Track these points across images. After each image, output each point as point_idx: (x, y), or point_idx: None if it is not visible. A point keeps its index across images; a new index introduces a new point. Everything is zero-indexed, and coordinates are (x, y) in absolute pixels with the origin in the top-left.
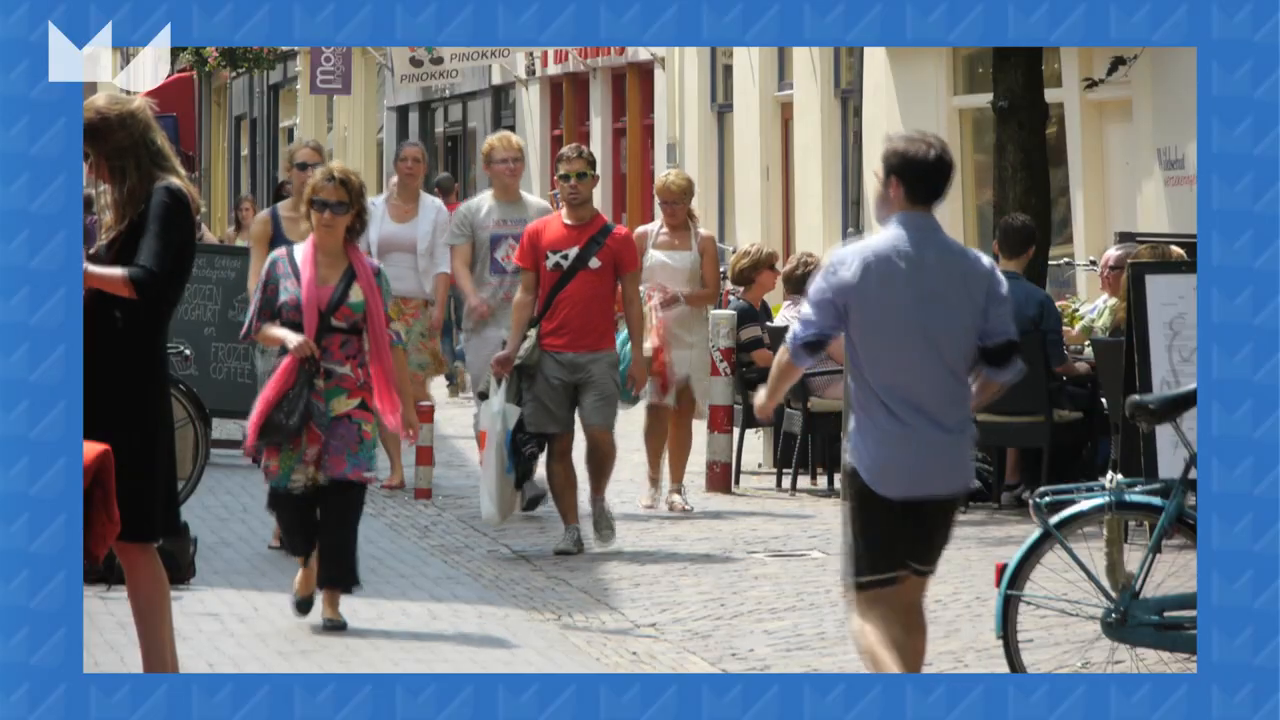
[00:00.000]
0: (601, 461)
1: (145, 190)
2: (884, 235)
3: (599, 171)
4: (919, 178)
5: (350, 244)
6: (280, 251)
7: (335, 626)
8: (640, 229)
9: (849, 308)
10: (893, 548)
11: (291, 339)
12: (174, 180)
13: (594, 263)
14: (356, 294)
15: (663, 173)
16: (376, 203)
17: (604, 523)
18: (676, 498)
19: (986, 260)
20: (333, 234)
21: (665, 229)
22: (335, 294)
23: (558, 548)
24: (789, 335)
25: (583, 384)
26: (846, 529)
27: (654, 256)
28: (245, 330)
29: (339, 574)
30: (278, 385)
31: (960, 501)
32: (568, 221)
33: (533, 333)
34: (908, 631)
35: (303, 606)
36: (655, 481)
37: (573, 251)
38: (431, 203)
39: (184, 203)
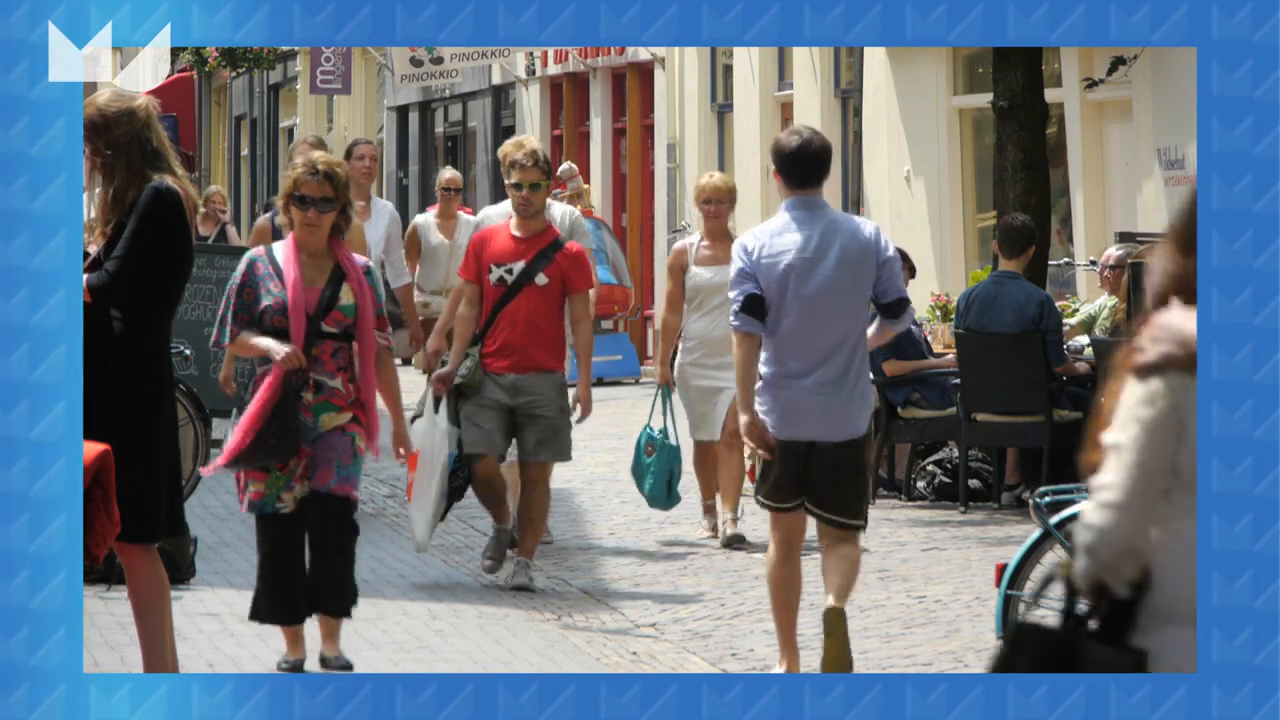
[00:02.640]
0: (534, 512)
1: (136, 191)
2: (776, 217)
3: (600, 172)
4: (786, 166)
5: (335, 241)
6: (258, 251)
7: (342, 666)
8: (678, 245)
9: (758, 278)
10: (788, 483)
11: (277, 349)
12: (165, 180)
13: (540, 279)
14: (347, 296)
15: (704, 175)
16: None
17: (521, 579)
18: (732, 525)
19: (870, 228)
20: (317, 234)
21: (705, 242)
22: (324, 296)
23: (484, 559)
24: (732, 321)
25: (524, 413)
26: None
27: (697, 275)
28: (217, 338)
29: (334, 595)
30: (263, 404)
31: (859, 448)
32: (516, 233)
33: (474, 351)
34: (827, 570)
35: (296, 669)
36: (711, 510)
37: (518, 266)
38: (384, 207)
39: (170, 202)
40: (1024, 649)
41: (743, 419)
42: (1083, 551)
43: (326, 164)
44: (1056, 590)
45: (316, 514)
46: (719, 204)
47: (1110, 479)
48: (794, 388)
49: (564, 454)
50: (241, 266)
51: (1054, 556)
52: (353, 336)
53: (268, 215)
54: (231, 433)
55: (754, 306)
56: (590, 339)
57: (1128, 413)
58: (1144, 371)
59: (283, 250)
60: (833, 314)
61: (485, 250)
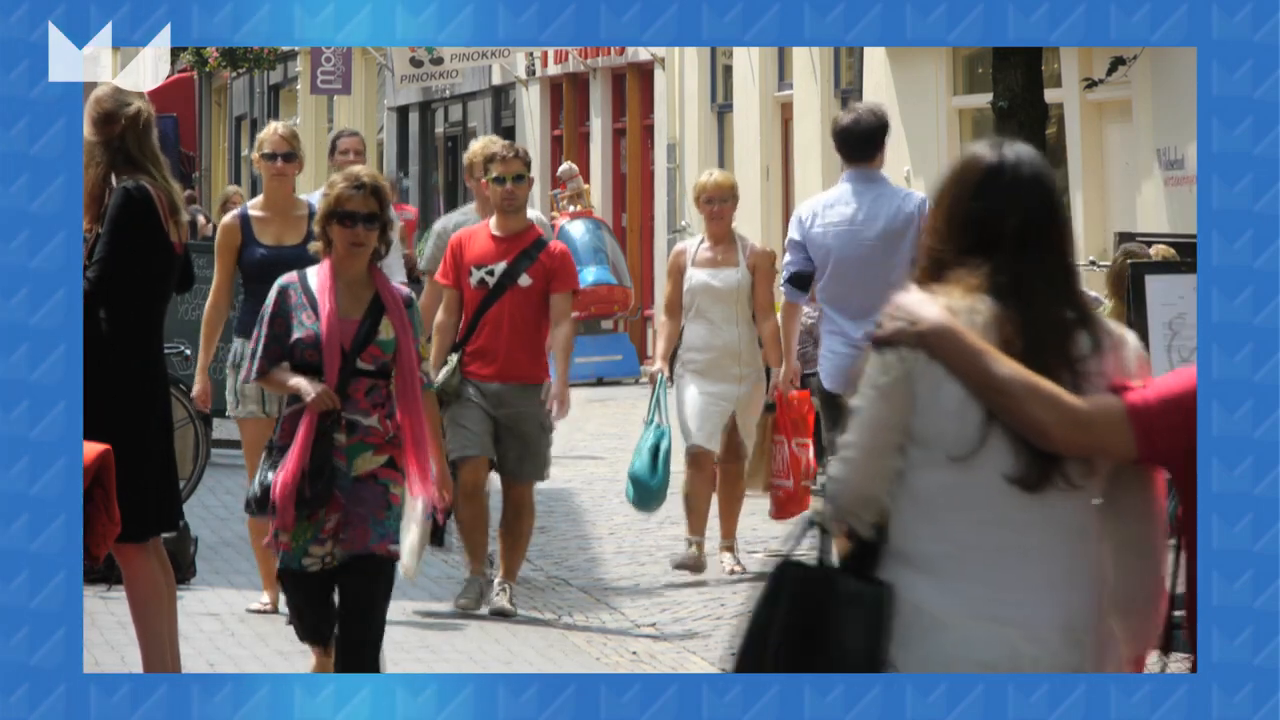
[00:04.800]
0: (519, 531)
1: (116, 191)
2: (834, 188)
3: (600, 172)
4: (839, 142)
5: (374, 268)
6: (290, 277)
7: None
8: (678, 247)
9: (807, 246)
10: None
11: (308, 389)
12: (138, 180)
13: (524, 280)
14: (386, 330)
15: (704, 173)
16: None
17: (501, 604)
18: (728, 556)
19: (915, 201)
20: (362, 255)
21: (707, 244)
22: (361, 330)
23: (458, 600)
24: (780, 287)
25: (505, 425)
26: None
27: (694, 277)
28: (247, 373)
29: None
30: (301, 453)
31: None
32: (496, 232)
33: (453, 358)
34: None
35: None
36: (699, 546)
37: (500, 267)
38: None
39: (138, 199)
40: (782, 583)
41: (785, 370)
42: (827, 498)
43: (372, 177)
44: (812, 534)
45: (353, 576)
46: (722, 203)
47: (850, 437)
48: (842, 346)
49: (540, 473)
50: (272, 295)
51: None
52: (389, 374)
53: (235, 212)
54: (270, 485)
55: (801, 281)
56: (571, 339)
57: (866, 380)
58: (879, 344)
59: (317, 277)
60: (875, 277)
61: (464, 253)
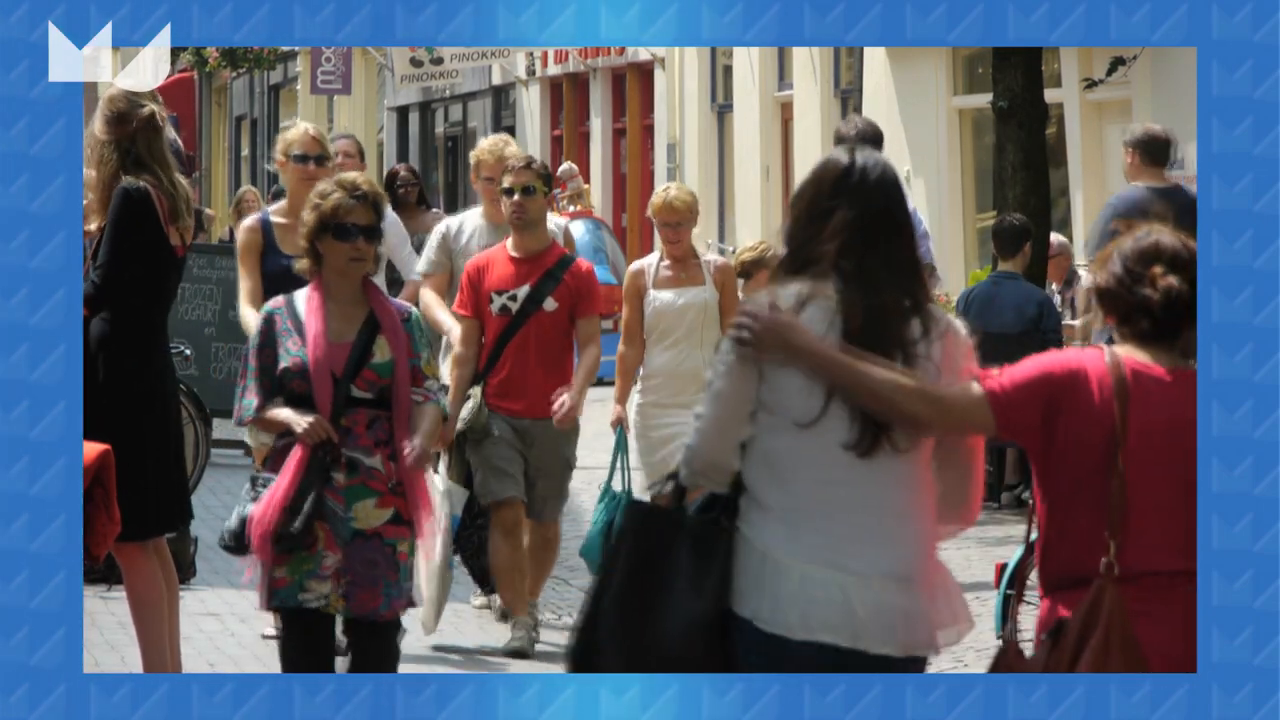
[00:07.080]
0: (544, 555)
1: (116, 192)
2: None
3: (600, 172)
4: None
5: (369, 284)
6: (276, 302)
7: None
8: (635, 265)
9: None
10: None
11: (298, 421)
12: (140, 180)
13: (549, 304)
14: (382, 351)
15: (660, 188)
16: None
17: (528, 626)
18: None
19: (909, 204)
20: (360, 270)
21: (666, 262)
22: (354, 353)
23: (509, 645)
24: None
25: (533, 464)
26: None
27: (656, 298)
28: (238, 414)
29: None
30: (287, 487)
31: None
32: (515, 254)
33: (475, 392)
34: None
35: None
36: None
37: (522, 291)
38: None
39: (137, 199)
40: (630, 519)
41: None
42: (682, 464)
43: (370, 185)
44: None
45: (362, 641)
46: (677, 227)
47: (703, 410)
48: None
49: (562, 504)
50: (259, 323)
51: None
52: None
53: (256, 216)
54: (250, 517)
55: None
56: (598, 362)
57: (719, 358)
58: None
59: (304, 299)
60: None
61: (484, 278)
